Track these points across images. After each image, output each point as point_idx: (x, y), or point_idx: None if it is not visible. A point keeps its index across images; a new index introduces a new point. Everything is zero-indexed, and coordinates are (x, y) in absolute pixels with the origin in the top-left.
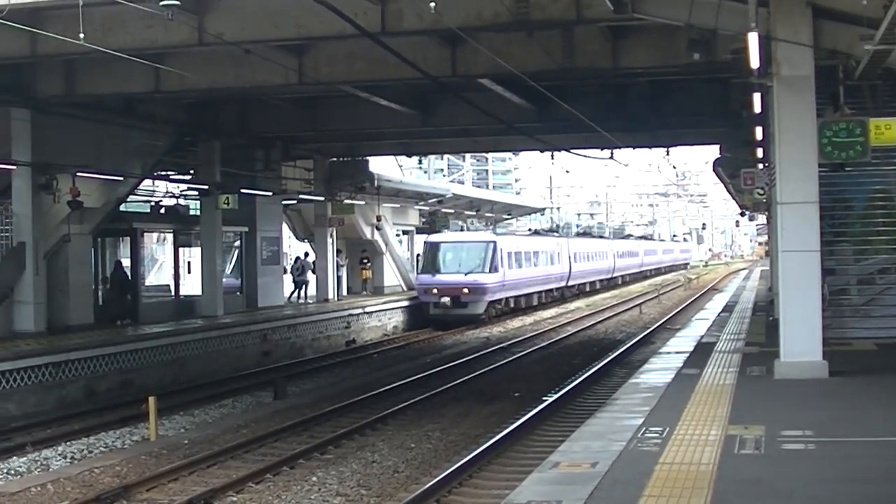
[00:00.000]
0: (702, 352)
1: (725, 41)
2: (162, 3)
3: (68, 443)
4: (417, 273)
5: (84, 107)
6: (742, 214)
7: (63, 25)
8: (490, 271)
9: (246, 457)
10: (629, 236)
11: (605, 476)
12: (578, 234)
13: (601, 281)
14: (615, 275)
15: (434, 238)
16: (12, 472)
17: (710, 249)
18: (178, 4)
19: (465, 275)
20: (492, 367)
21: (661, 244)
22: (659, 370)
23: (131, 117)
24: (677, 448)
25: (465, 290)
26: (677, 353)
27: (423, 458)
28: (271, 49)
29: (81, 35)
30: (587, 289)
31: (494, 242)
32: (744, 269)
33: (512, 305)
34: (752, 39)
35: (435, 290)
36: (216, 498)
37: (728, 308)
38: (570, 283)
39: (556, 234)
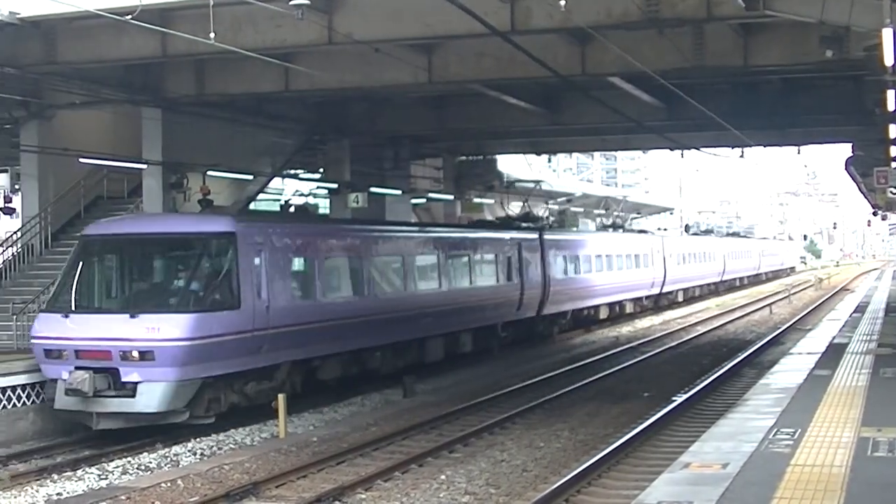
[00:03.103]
0: (833, 353)
1: (859, 38)
2: (292, 2)
3: (198, 439)
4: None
5: (214, 106)
6: (874, 214)
7: (193, 25)
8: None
9: (374, 455)
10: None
11: (737, 477)
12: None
13: (708, 285)
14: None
15: (94, 230)
16: (143, 467)
17: (841, 249)
18: (307, 4)
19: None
20: (621, 366)
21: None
22: (790, 371)
23: (261, 116)
24: (809, 450)
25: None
26: (808, 353)
27: (551, 458)
28: (400, 48)
29: (212, 35)
30: (679, 298)
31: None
32: (875, 269)
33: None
34: (887, 36)
35: (64, 354)
36: (345, 495)
37: (860, 309)
38: (665, 291)
39: (645, 231)
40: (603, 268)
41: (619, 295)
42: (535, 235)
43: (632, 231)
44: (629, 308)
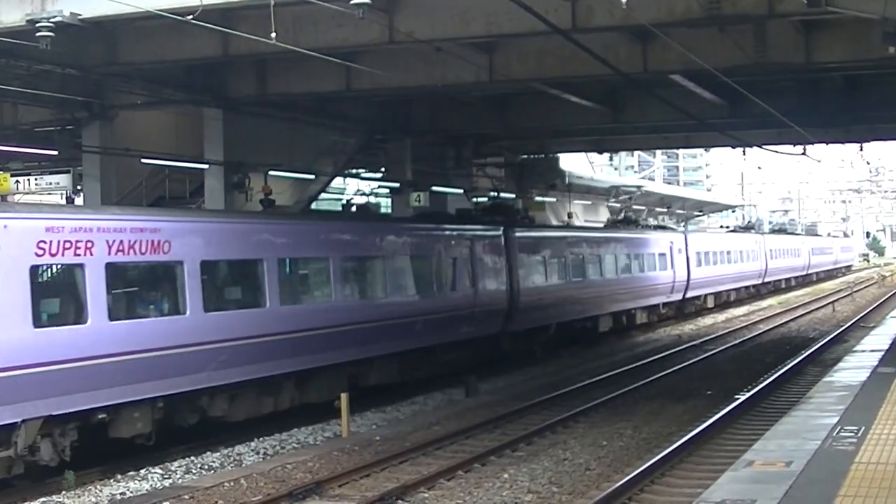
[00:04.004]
0: None
1: None
2: (353, 1)
3: (261, 439)
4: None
5: (275, 106)
6: None
7: (254, 25)
8: None
9: (437, 454)
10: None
11: (800, 475)
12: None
13: (746, 288)
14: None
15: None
16: (206, 467)
17: None
18: (368, 3)
19: None
20: (683, 364)
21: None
22: (853, 368)
23: (322, 116)
24: (873, 447)
25: None
26: (872, 351)
27: (614, 456)
28: (461, 47)
29: (273, 35)
30: (709, 304)
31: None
32: None
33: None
34: None
35: None
36: (407, 494)
37: None
38: (689, 296)
39: (671, 228)
40: (602, 271)
41: (628, 303)
42: (496, 233)
43: (647, 226)
44: (641, 318)
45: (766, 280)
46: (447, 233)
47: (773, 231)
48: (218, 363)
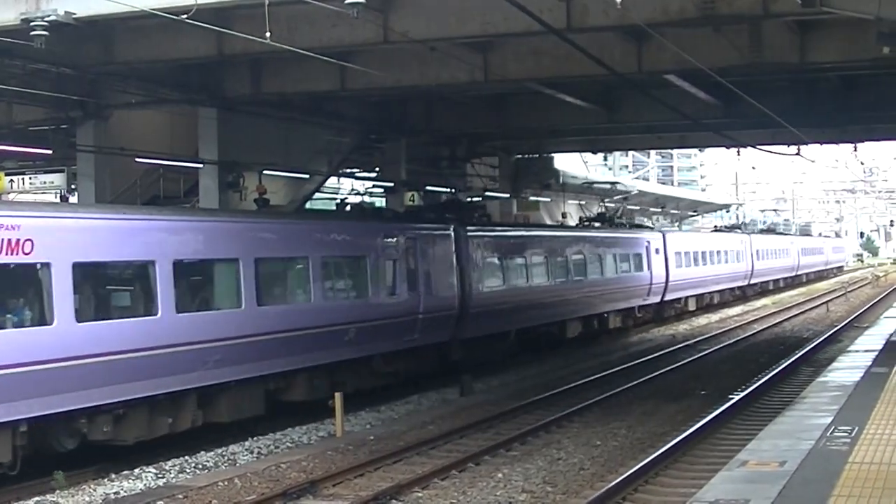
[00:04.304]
0: (891, 350)
1: None
2: (347, 1)
3: (255, 438)
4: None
5: (270, 105)
6: None
7: (249, 25)
8: None
9: (431, 453)
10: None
11: (794, 475)
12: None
13: (732, 289)
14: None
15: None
16: (200, 466)
17: None
18: (363, 3)
19: None
20: (677, 364)
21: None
22: (847, 369)
23: (317, 115)
24: (867, 447)
25: None
26: (866, 351)
27: (608, 456)
28: (456, 47)
29: (268, 34)
30: (691, 307)
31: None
32: None
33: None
34: None
35: None
36: (402, 494)
37: None
38: (669, 298)
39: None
40: (569, 272)
41: (599, 306)
42: (445, 231)
43: (622, 225)
44: (614, 322)
45: (753, 281)
46: (385, 231)
47: (761, 231)
48: (96, 380)
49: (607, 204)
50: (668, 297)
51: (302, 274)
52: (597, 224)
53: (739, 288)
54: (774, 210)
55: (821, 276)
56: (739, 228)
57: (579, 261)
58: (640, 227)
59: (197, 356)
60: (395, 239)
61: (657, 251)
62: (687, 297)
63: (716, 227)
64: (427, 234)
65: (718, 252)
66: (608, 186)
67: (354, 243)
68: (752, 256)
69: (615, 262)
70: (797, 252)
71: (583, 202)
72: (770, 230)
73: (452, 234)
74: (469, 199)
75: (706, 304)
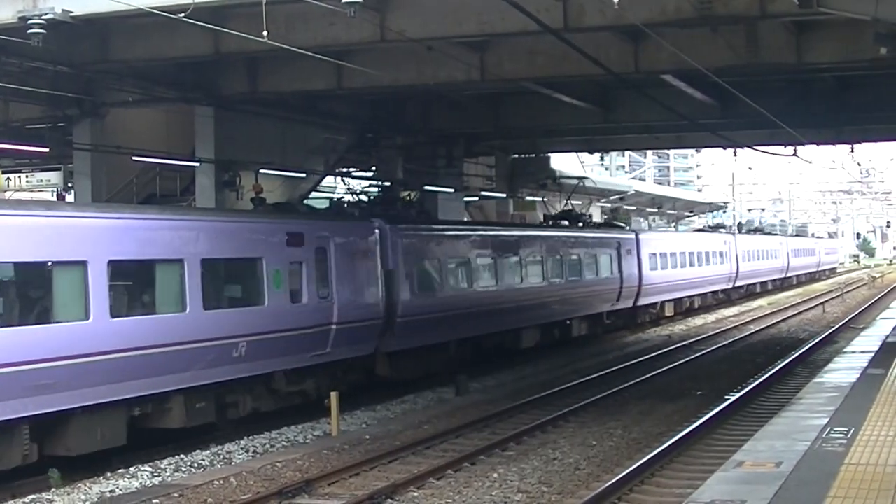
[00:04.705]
0: (887, 351)
1: None
2: (344, 0)
3: (250, 437)
4: None
5: (267, 104)
6: None
7: (246, 24)
8: None
9: (427, 453)
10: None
11: (790, 476)
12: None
13: (715, 293)
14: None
15: None
16: (195, 465)
17: (894, 248)
18: (360, 2)
19: None
20: (674, 364)
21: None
22: (843, 370)
23: (314, 114)
24: (863, 449)
25: None
26: (862, 352)
27: (604, 456)
28: (453, 46)
29: (265, 33)
30: (668, 312)
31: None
32: None
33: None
34: None
35: None
36: (397, 493)
37: None
38: (643, 303)
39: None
40: (524, 275)
41: (561, 313)
42: (367, 229)
43: (590, 225)
44: (579, 329)
45: (738, 284)
46: (288, 229)
47: (749, 231)
48: None
49: (574, 202)
50: (642, 301)
51: (174, 279)
52: (564, 223)
53: (723, 291)
54: (762, 209)
55: (813, 278)
56: (724, 228)
57: (536, 263)
58: (612, 226)
59: (26, 379)
60: (301, 238)
61: (629, 252)
62: (663, 302)
63: (705, 227)
64: (344, 233)
65: (699, 253)
66: (575, 182)
67: (247, 243)
68: (736, 258)
69: (579, 264)
70: (787, 253)
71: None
72: (758, 230)
73: (378, 232)
74: (407, 194)
75: (686, 308)
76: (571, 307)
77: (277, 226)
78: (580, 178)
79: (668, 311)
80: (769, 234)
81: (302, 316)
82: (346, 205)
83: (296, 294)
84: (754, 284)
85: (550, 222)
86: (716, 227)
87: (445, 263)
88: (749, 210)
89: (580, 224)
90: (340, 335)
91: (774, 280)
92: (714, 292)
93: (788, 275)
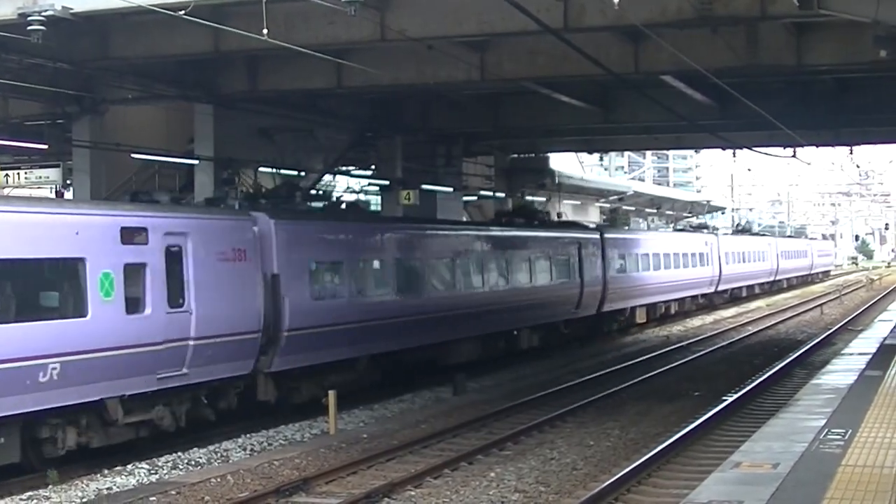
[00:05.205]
0: (885, 353)
1: None
2: None
3: (248, 435)
4: None
5: (267, 102)
6: None
7: (246, 22)
8: None
9: (424, 452)
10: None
11: (787, 477)
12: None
13: (695, 297)
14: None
15: None
16: (193, 462)
17: (893, 250)
18: (360, 1)
19: None
20: (672, 365)
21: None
22: (841, 371)
23: (313, 113)
24: (860, 450)
25: None
26: (860, 354)
27: (602, 456)
28: (453, 45)
29: (265, 31)
30: (639, 318)
31: None
32: None
33: None
34: None
35: None
36: (394, 492)
37: None
38: (607, 309)
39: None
40: (455, 281)
41: (502, 323)
42: (241, 225)
43: (547, 223)
44: (528, 342)
45: (721, 288)
46: (122, 224)
47: (737, 231)
48: None
49: (536, 198)
50: (608, 307)
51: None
52: (519, 220)
53: (704, 296)
54: (749, 208)
55: (805, 281)
56: (706, 228)
57: (475, 265)
58: (573, 224)
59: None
60: (140, 236)
61: (592, 253)
62: (634, 308)
63: (686, 226)
64: (209, 229)
65: (675, 255)
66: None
67: (62, 240)
68: (719, 259)
69: (529, 266)
70: (776, 255)
71: (578, 202)
72: (745, 230)
73: (254, 228)
74: (314, 187)
75: (661, 314)
76: (519, 316)
77: (107, 219)
78: (539, 170)
79: (640, 318)
80: (757, 234)
81: (143, 330)
82: (230, 196)
83: (134, 303)
84: (739, 288)
85: (504, 219)
86: (698, 227)
87: (353, 265)
88: (734, 210)
89: (536, 221)
90: (201, 353)
91: (762, 284)
92: (694, 297)
93: (778, 278)
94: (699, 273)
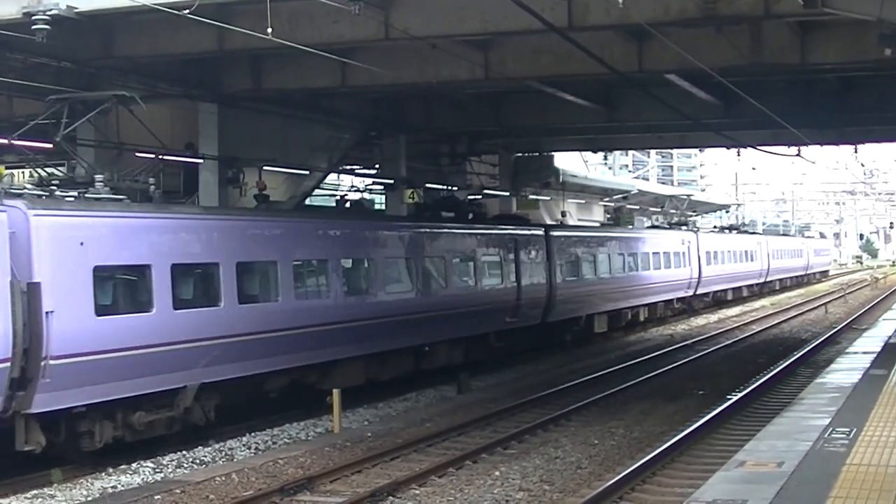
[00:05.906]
0: (890, 352)
1: None
2: None
3: (252, 434)
4: None
5: (270, 101)
6: None
7: (250, 20)
8: None
9: (429, 450)
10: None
11: (792, 476)
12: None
13: (680, 300)
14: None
15: None
16: (197, 461)
17: None
18: None
19: None
20: (676, 364)
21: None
22: (846, 370)
23: (317, 112)
24: (865, 449)
25: None
26: (864, 353)
27: (606, 455)
28: (457, 44)
29: (269, 30)
30: (601, 328)
31: None
32: None
33: None
34: None
35: None
36: (399, 491)
37: None
38: (553, 319)
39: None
40: (371, 284)
41: (415, 336)
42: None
43: (486, 218)
44: (447, 358)
45: (701, 291)
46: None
47: (723, 229)
48: None
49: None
50: (553, 318)
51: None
52: (449, 215)
53: (681, 300)
54: (739, 203)
55: (800, 282)
56: (685, 225)
57: (367, 268)
58: (513, 219)
59: None
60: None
61: (534, 254)
62: (591, 316)
63: (661, 223)
64: (49, 226)
65: (643, 254)
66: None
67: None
68: (699, 260)
69: (445, 268)
70: (766, 254)
71: (583, 201)
72: (732, 227)
73: (7, 224)
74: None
75: (628, 321)
76: (432, 328)
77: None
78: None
79: (600, 328)
80: (745, 231)
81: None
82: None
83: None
84: (724, 291)
85: (427, 213)
86: (674, 224)
87: (162, 270)
88: (722, 208)
89: (470, 215)
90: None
91: (750, 286)
92: (668, 302)
93: (769, 279)
94: (674, 275)
